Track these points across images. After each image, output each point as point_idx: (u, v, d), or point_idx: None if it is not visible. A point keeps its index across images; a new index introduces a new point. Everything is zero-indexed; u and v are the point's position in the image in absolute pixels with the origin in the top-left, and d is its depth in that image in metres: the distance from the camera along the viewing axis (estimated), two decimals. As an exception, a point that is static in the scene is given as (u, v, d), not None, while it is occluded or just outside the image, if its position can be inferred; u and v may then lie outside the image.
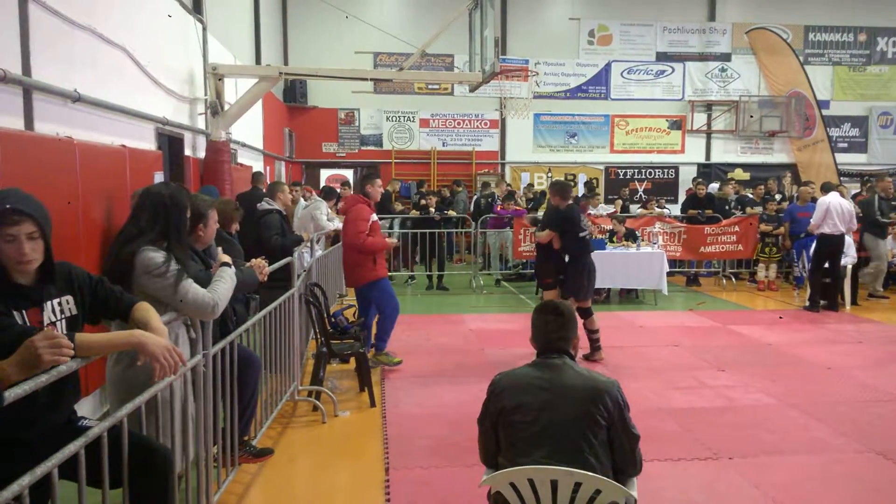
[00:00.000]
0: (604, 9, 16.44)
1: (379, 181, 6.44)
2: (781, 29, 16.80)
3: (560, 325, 2.67)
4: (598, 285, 9.81)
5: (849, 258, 9.64)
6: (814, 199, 11.15)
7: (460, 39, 9.45)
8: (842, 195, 10.53)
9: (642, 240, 10.72)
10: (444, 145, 16.27)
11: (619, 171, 16.73)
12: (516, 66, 15.21)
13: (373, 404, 5.40)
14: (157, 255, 2.99)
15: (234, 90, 9.48)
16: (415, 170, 16.07)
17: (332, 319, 5.83)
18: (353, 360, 5.89)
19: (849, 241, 9.62)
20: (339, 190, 10.82)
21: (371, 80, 10.98)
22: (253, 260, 4.13)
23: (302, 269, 5.91)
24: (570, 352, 2.68)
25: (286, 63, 15.24)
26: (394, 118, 16.21)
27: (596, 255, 9.59)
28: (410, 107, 16.14)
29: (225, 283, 3.28)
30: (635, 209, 13.45)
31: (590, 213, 11.91)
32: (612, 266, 9.78)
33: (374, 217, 6.35)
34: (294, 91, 15.60)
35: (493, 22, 8.00)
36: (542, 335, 2.69)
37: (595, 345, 6.81)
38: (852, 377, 6.23)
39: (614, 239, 10.41)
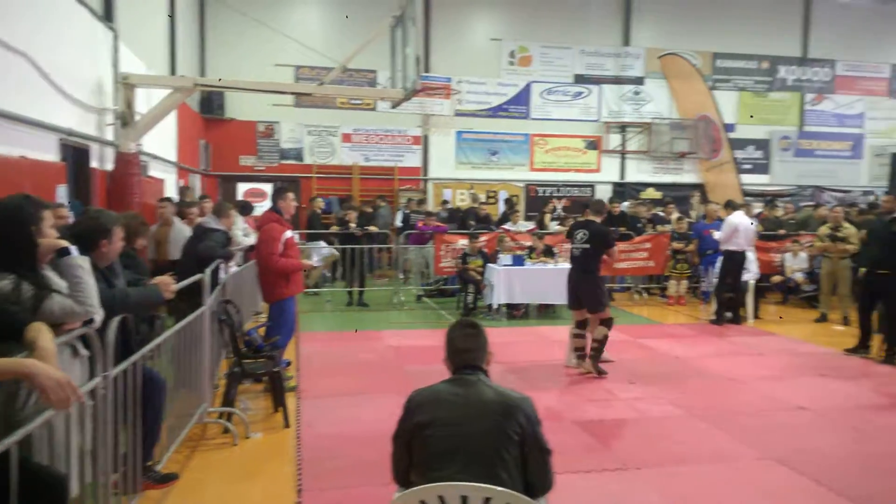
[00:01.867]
0: (524, 31, 16.85)
1: (291, 195, 6.25)
2: (691, 55, 17.65)
3: (473, 342, 2.69)
4: (517, 301, 10.09)
5: (751, 273, 10.15)
6: (720, 218, 11.74)
7: (383, 55, 9.47)
8: (746, 214, 11.13)
9: (560, 256, 10.96)
10: (366, 160, 16.21)
11: (539, 188, 17.10)
12: (439, 83, 15.40)
13: (287, 425, 5.28)
14: (2, 284, 2.65)
15: (146, 101, 9.16)
16: (337, 185, 15.92)
17: (246, 337, 5.68)
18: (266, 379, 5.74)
19: (751, 256, 10.12)
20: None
21: (291, 93, 10.87)
22: (158, 277, 3.99)
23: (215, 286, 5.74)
24: (484, 368, 2.70)
25: (203, 74, 14.86)
26: (315, 132, 16.05)
27: (515, 271, 9.87)
28: (332, 121, 16.02)
29: (83, 282, 2.89)
30: (554, 226, 13.75)
31: (509, 230, 12.13)
32: (530, 282, 9.98)
33: (289, 234, 6.18)
34: (211, 102, 15.21)
35: (414, 39, 8.06)
36: (457, 352, 2.69)
37: (592, 353, 6.95)
38: (753, 387, 6.54)
39: (533, 255, 10.61)
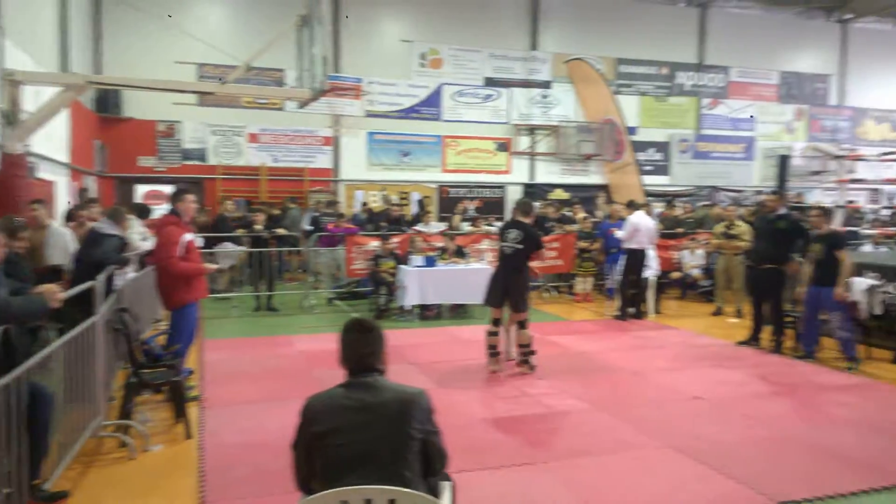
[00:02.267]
0: (434, 33, 16.94)
1: (190, 196, 6.02)
2: (596, 60, 18.22)
3: (368, 342, 2.64)
4: (429, 301, 10.12)
5: (651, 270, 10.57)
6: (623, 217, 12.18)
7: (291, 54, 9.29)
8: (647, 213, 11.59)
9: (471, 256, 11.08)
10: (274, 161, 15.84)
11: (451, 189, 17.22)
12: (349, 83, 15.25)
13: (189, 436, 5.09)
14: None
15: (35, 99, 8.60)
16: (243, 186, 15.48)
17: (145, 346, 5.44)
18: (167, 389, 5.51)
19: (651, 254, 10.55)
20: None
21: (192, 92, 10.49)
22: (42, 285, 3.75)
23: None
24: (381, 367, 2.66)
25: (100, 71, 14.13)
26: (220, 132, 15.56)
27: (427, 272, 9.91)
28: (238, 121, 15.58)
29: None
30: (465, 226, 13.88)
31: (421, 231, 12.16)
32: (442, 282, 10.04)
33: (189, 237, 5.95)
34: (107, 101, 14.47)
35: (321, 39, 7.94)
36: (352, 354, 2.63)
37: (524, 359, 7.03)
38: (653, 379, 6.82)
39: (445, 256, 10.67)
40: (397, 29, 16.76)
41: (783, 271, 7.99)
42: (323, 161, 16.26)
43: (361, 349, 2.63)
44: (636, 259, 10.11)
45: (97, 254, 6.00)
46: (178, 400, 5.29)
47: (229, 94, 12.78)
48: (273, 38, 8.65)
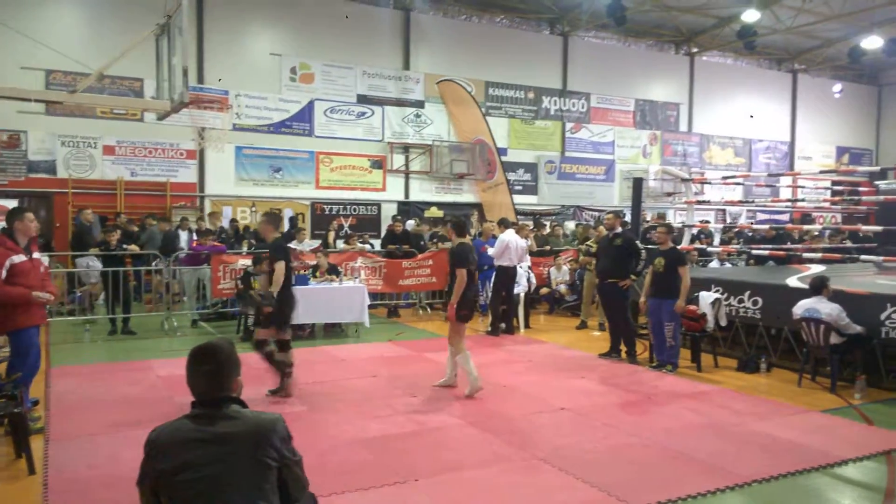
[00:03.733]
0: (304, 48, 16.70)
1: (30, 215, 5.53)
2: (466, 82, 18.70)
3: (216, 372, 2.45)
4: (301, 321, 9.86)
5: (521, 286, 10.91)
6: (494, 235, 12.49)
7: (150, 63, 8.81)
8: (519, 231, 11.96)
9: (345, 274, 10.94)
10: (132, 175, 14.92)
11: (325, 206, 16.97)
12: (215, 95, 14.66)
13: (32, 472, 4.64)
14: None
15: None
16: (98, 201, 14.42)
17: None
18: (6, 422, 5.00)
19: (521, 271, 10.89)
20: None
21: (38, 101, 9.68)
22: None
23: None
24: (233, 395, 2.48)
25: (-71, 73, 12.76)
26: (71, 143, 14.46)
27: (299, 291, 9.64)
28: (91, 132, 14.54)
29: None
30: (339, 244, 13.73)
31: (294, 249, 11.87)
32: (315, 301, 9.82)
33: (19, 259, 5.39)
34: (-61, 107, 13.08)
35: (181, 49, 7.59)
36: (199, 383, 2.45)
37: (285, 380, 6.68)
38: (522, 392, 7.00)
39: (317, 274, 10.47)
40: (266, 42, 16.38)
41: (622, 286, 8.55)
42: (187, 175, 15.51)
43: (209, 379, 2.44)
44: (506, 276, 10.39)
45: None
46: (20, 433, 4.81)
47: (81, 104, 11.92)
48: (129, 47, 8.19)
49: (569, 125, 20.44)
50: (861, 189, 14.06)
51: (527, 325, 11.07)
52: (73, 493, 4.34)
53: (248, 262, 10.51)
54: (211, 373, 2.44)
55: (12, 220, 5.50)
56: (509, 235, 10.53)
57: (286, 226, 15.41)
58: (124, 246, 10.38)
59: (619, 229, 9.04)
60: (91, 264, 10.69)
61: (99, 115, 14.56)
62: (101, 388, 6.97)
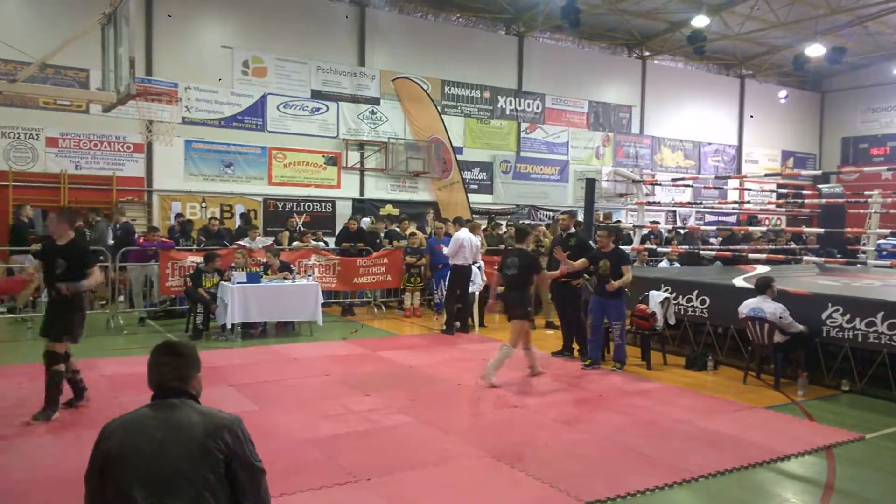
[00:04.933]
0: (257, 41, 16.39)
1: None
2: (422, 80, 18.64)
3: (176, 366, 2.50)
4: (253, 319, 9.70)
5: (476, 285, 10.93)
6: (449, 234, 12.50)
7: (96, 54, 8.52)
8: (474, 230, 11.98)
9: (298, 272, 10.80)
10: (77, 168, 14.42)
11: (279, 203, 16.72)
12: (163, 88, 14.26)
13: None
14: None
15: None
16: (40, 195, 13.89)
17: None
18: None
19: (475, 270, 10.91)
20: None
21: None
22: None
23: None
24: (191, 392, 2.51)
25: None
26: (12, 134, 13.88)
27: (250, 289, 9.49)
28: (34, 123, 14.00)
29: None
30: (295, 243, 13.53)
31: (245, 246, 11.66)
32: (267, 299, 9.68)
33: None
34: None
35: (128, 40, 7.34)
36: (158, 377, 2.49)
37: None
38: (477, 391, 7.02)
39: (269, 272, 10.30)
40: (217, 34, 16.01)
41: (575, 285, 8.66)
42: (133, 169, 15.07)
43: (169, 372, 2.49)
44: (461, 275, 10.41)
45: None
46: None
47: (22, 94, 11.48)
48: (74, 36, 7.91)
49: (524, 125, 20.58)
50: (804, 192, 14.54)
51: (481, 324, 11.10)
52: (15, 496, 4.19)
53: (198, 259, 10.28)
54: (173, 365, 2.50)
55: None
56: (464, 234, 10.54)
57: (237, 222, 15.15)
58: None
59: (573, 230, 9.15)
60: (29, 262, 10.30)
61: (42, 105, 14.03)
62: (40, 389, 6.71)
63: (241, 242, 11.96)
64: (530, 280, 7.63)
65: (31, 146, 14.08)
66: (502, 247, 13.77)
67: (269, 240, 13.62)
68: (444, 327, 10.47)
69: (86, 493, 2.38)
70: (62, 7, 13.61)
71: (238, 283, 9.48)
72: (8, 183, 13.70)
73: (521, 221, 17.60)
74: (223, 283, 9.65)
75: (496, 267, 8.19)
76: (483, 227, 14.02)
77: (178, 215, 14.66)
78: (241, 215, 15.49)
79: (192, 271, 10.04)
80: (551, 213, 20.17)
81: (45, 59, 7.87)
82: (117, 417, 2.42)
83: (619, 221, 13.20)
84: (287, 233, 13.73)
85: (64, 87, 13.39)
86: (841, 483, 4.75)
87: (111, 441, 2.34)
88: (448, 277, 10.59)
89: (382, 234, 13.58)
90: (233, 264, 10.08)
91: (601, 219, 16.20)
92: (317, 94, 17.17)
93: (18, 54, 9.68)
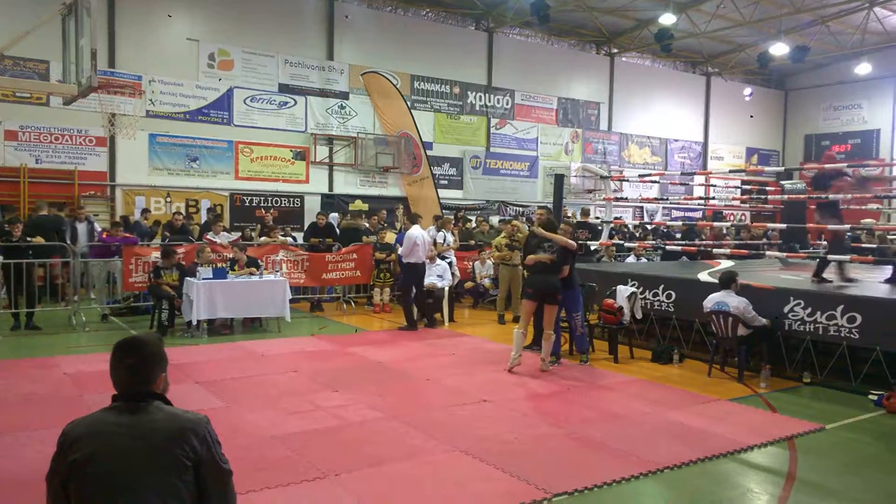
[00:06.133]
0: (223, 33, 16.15)
1: None
2: (392, 75, 18.56)
3: (140, 366, 2.38)
4: (219, 315, 9.56)
5: (446, 280, 10.93)
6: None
7: (56, 45, 8.32)
8: (445, 225, 11.99)
9: (265, 268, 10.68)
10: (37, 162, 14.06)
11: (245, 198, 16.52)
12: (126, 80, 13.95)
13: (-83, 479, 4.32)
14: None
15: None
16: (1, 189, 13.58)
17: None
18: None
19: (444, 266, 10.90)
20: None
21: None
22: None
23: None
24: (156, 391, 2.41)
25: None
26: (-31, 127, 13.54)
27: (217, 284, 9.37)
28: (-9, 115, 13.67)
29: None
30: (260, 239, 13.38)
31: (212, 241, 11.51)
32: (233, 295, 9.56)
33: None
34: None
35: (89, 31, 7.18)
36: (121, 377, 2.38)
37: None
38: (445, 385, 7.02)
39: (236, 267, 10.18)
40: (182, 26, 15.74)
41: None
42: (96, 163, 14.76)
43: (132, 372, 2.37)
44: (416, 273, 10.27)
45: None
46: None
47: (-21, 85, 11.17)
48: (34, 27, 7.71)
49: (494, 121, 20.62)
50: (768, 188, 14.79)
51: (451, 319, 11.11)
52: (-34, 500, 4.07)
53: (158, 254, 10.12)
54: (134, 366, 2.38)
55: None
56: (417, 231, 10.38)
57: (202, 217, 14.92)
58: (28, 238, 9.75)
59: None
60: None
61: (0, 97, 13.67)
62: (2, 386, 6.57)
63: (208, 237, 11.80)
64: (563, 267, 7.77)
65: (-12, 139, 13.70)
66: (472, 242, 13.81)
67: (235, 235, 13.45)
68: (406, 325, 10.31)
69: (48, 494, 2.31)
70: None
71: (204, 279, 9.36)
72: (-35, 177, 13.32)
73: (531, 214, 17.63)
74: (188, 279, 9.51)
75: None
76: (453, 222, 14.01)
77: (144, 210, 14.40)
78: (208, 210, 15.27)
79: (154, 267, 9.87)
80: (520, 209, 20.26)
81: (2, 49, 7.71)
82: (79, 420, 2.33)
83: (598, 218, 13.29)
84: (258, 229, 13.57)
85: (23, 78, 13.03)
86: (802, 473, 4.85)
87: (76, 451, 2.24)
88: (402, 276, 10.45)
89: (364, 229, 13.32)
90: (197, 260, 9.93)
91: (569, 214, 16.29)
92: (284, 88, 16.99)
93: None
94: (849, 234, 10.16)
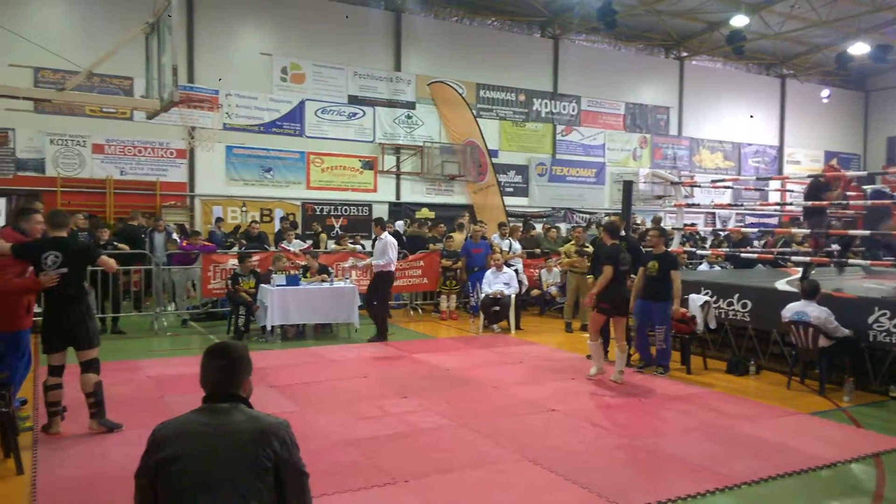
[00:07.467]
0: (296, 47, 16.66)
1: (38, 217, 5.53)
2: (458, 84, 18.71)
3: (229, 369, 2.52)
4: (292, 321, 9.81)
5: (513, 288, 10.90)
6: (484, 237, 12.51)
7: (140, 62, 8.77)
8: (513, 233, 12.00)
9: (335, 275, 10.91)
10: (122, 174, 14.83)
11: (316, 207, 16.93)
12: (204, 95, 14.56)
13: (20, 471, 4.60)
14: None
15: None
16: (87, 200, 14.34)
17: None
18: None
19: (510, 273, 10.88)
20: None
21: (26, 98, 9.62)
22: None
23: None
24: (242, 395, 2.54)
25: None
26: (60, 141, 14.36)
27: (290, 291, 9.63)
28: (81, 130, 14.45)
29: None
30: (330, 245, 13.69)
31: (286, 249, 11.84)
32: (306, 302, 9.80)
33: None
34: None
35: (170, 48, 7.54)
36: (210, 379, 2.53)
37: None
38: (512, 393, 7.00)
39: (308, 274, 10.43)
40: (256, 41, 16.33)
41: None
42: (176, 175, 15.44)
43: (221, 375, 2.51)
44: (389, 280, 10.06)
45: None
46: (8, 432, 4.78)
47: (70, 102, 11.86)
48: (117, 45, 8.14)
49: (559, 128, 20.49)
50: (849, 194, 14.14)
51: (518, 327, 11.06)
52: (62, 494, 4.30)
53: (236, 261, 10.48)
54: (224, 368, 2.51)
55: (21, 217, 5.52)
56: (389, 238, 10.11)
57: (276, 226, 15.36)
58: (115, 244, 10.28)
59: (622, 233, 8.87)
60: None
61: (88, 113, 14.48)
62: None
63: (282, 245, 12.15)
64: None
65: (77, 152, 14.53)
66: (538, 250, 13.73)
67: (308, 243, 13.79)
68: (377, 335, 9.81)
69: (136, 491, 2.43)
70: (107, 17, 14.03)
71: (278, 285, 9.63)
72: (56, 188, 14.15)
73: (606, 221, 17.50)
74: (263, 285, 9.81)
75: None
76: (521, 230, 14.00)
77: (218, 219, 14.95)
78: (282, 219, 15.72)
79: (231, 274, 10.22)
80: (587, 216, 20.03)
81: (91, 68, 8.12)
82: (168, 421, 2.46)
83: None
84: (325, 236, 13.88)
85: (109, 95, 13.80)
86: (890, 492, 4.62)
87: (163, 450, 2.36)
88: (375, 282, 10.06)
89: (427, 238, 13.46)
90: (272, 267, 10.24)
91: (638, 221, 16.00)
92: (353, 100, 17.37)
93: (67, 64, 10.00)
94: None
